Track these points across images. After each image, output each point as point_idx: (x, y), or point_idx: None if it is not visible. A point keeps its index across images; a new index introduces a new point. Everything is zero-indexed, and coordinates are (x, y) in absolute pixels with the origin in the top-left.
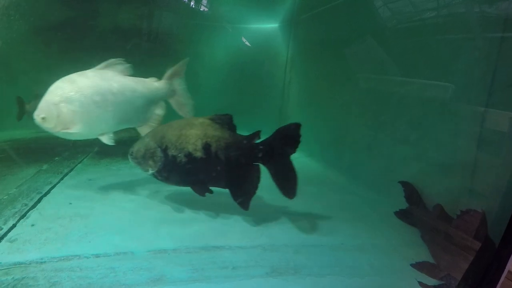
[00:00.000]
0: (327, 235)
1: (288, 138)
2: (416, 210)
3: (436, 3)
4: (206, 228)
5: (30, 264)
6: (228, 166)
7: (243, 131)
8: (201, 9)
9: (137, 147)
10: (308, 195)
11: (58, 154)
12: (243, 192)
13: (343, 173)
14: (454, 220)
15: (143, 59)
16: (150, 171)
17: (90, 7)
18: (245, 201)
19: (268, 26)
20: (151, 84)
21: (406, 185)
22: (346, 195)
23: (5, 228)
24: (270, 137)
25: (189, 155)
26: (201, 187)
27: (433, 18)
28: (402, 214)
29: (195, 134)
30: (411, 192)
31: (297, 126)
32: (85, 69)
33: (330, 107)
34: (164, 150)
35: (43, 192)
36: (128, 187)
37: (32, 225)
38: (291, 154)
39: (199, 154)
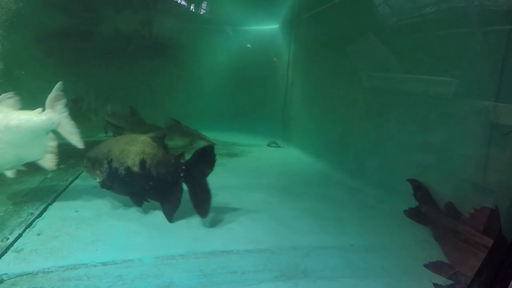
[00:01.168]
0: (336, 237)
1: (205, 158)
2: (426, 209)
3: None
4: (214, 233)
5: (37, 274)
6: (158, 181)
7: (247, 132)
8: (201, 13)
9: (89, 156)
10: (314, 196)
11: (63, 161)
12: (170, 206)
13: (349, 172)
14: (468, 218)
15: (145, 64)
16: (98, 180)
17: (90, 14)
18: (170, 213)
19: (268, 27)
20: (36, 117)
21: (414, 183)
22: (353, 194)
23: (11, 238)
24: (190, 158)
25: (128, 169)
26: (138, 199)
27: (439, 13)
28: (411, 213)
29: (134, 150)
30: (420, 190)
31: (212, 147)
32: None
33: (334, 106)
34: (109, 162)
35: (49, 201)
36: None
37: (38, 234)
38: (209, 173)
39: (136, 169)
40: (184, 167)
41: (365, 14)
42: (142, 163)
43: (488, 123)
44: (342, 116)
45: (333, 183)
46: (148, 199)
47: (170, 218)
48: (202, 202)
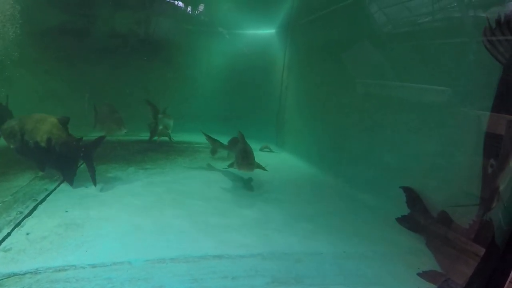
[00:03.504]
0: (328, 243)
1: (96, 145)
2: (419, 216)
3: (438, 7)
4: (205, 237)
5: (24, 275)
6: (60, 157)
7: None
8: (198, 15)
9: (6, 126)
10: (306, 201)
11: None
12: (69, 174)
13: (342, 178)
14: (462, 228)
15: (140, 64)
16: (12, 146)
17: (87, 12)
18: (70, 180)
19: (265, 32)
20: None
21: (407, 190)
22: (345, 200)
23: (0, 237)
24: (88, 144)
25: (36, 143)
26: (42, 166)
27: (434, 22)
28: (404, 220)
29: (44, 129)
30: (413, 198)
31: (103, 138)
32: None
33: (328, 111)
34: (22, 135)
35: (39, 200)
36: (124, 194)
37: (27, 233)
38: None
39: (43, 144)
40: (83, 149)
41: (361, 21)
42: (48, 141)
43: (483, 133)
44: (336, 121)
45: (326, 189)
46: (51, 168)
47: (71, 183)
48: (93, 174)
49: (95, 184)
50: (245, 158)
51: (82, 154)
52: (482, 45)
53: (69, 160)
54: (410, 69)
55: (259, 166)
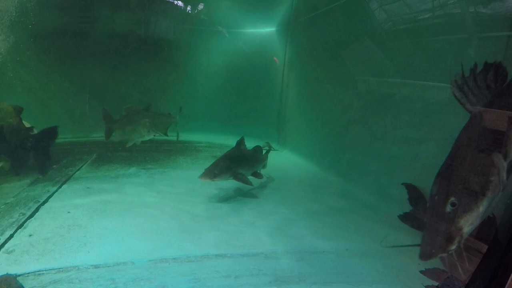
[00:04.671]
0: (330, 241)
1: (49, 135)
2: (421, 214)
3: (438, 3)
4: (207, 236)
5: (28, 276)
6: (10, 144)
7: (241, 135)
8: (198, 15)
9: None
10: (308, 200)
11: (56, 161)
12: (18, 163)
13: (343, 176)
14: None
15: (140, 64)
16: None
17: (87, 13)
18: (17, 170)
19: (265, 30)
20: None
21: (409, 187)
22: (347, 198)
23: (2, 239)
24: (38, 133)
25: None
26: None
27: (435, 18)
28: (406, 218)
29: None
30: (415, 195)
31: (55, 128)
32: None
33: (329, 109)
34: None
35: (41, 201)
36: (126, 195)
37: (30, 235)
38: (51, 144)
39: None
40: (31, 139)
41: (361, 18)
42: (0, 128)
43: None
44: (337, 119)
45: (328, 187)
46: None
47: (17, 173)
48: (43, 165)
49: (42, 174)
50: (210, 165)
51: (30, 144)
52: (483, 41)
53: (16, 148)
54: (411, 66)
55: (240, 179)
